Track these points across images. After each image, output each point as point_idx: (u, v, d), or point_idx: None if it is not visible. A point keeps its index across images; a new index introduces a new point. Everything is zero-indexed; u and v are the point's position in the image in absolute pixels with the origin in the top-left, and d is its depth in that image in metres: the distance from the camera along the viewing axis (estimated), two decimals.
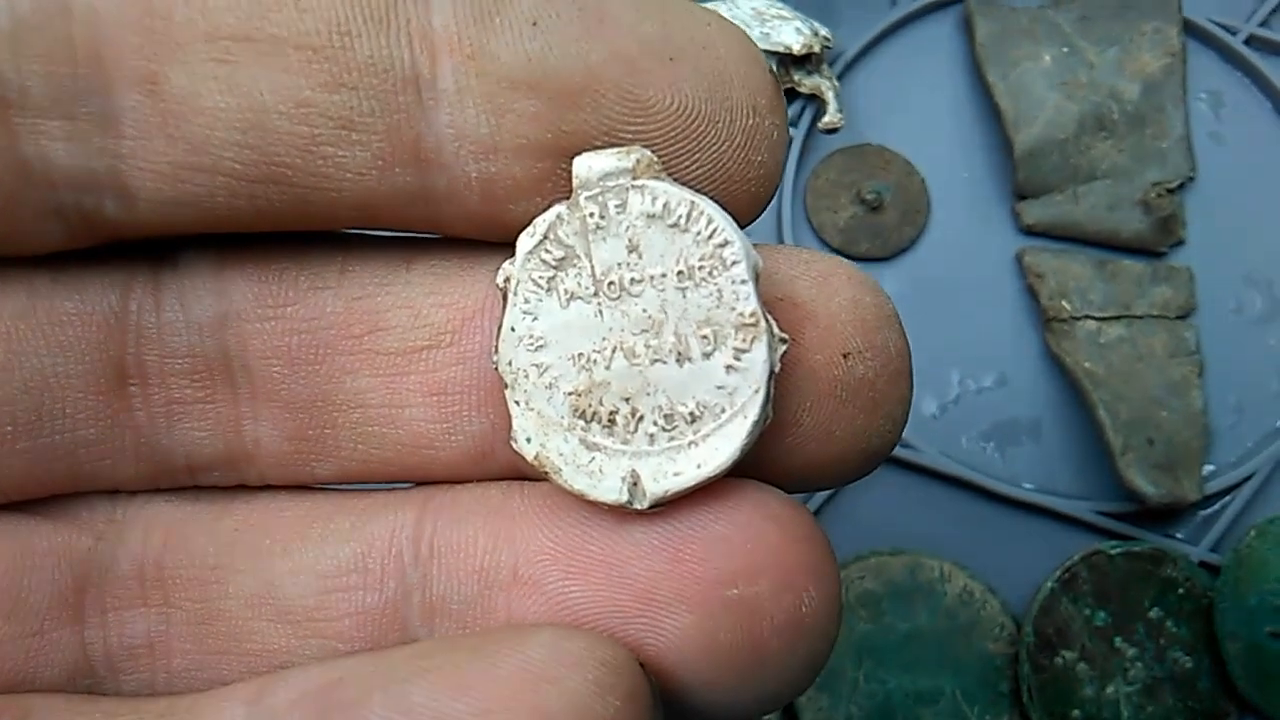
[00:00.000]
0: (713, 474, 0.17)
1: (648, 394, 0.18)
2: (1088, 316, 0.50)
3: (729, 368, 0.17)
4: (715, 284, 0.17)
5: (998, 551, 0.49)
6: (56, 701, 0.18)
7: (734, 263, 0.17)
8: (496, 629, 0.18)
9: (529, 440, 0.18)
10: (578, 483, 0.18)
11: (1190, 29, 0.54)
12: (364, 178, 0.17)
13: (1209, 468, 0.49)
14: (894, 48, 0.56)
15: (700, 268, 0.17)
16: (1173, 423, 0.48)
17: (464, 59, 0.17)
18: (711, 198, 0.18)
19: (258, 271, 0.19)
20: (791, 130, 0.53)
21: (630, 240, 0.18)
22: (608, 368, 0.18)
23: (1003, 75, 0.53)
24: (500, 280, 0.18)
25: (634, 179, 0.17)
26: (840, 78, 0.54)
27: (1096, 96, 0.52)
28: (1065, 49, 0.53)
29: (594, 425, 0.18)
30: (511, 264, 0.18)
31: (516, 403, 0.18)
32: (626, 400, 0.18)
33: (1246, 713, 0.47)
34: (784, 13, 0.50)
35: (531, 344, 0.18)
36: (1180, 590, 0.47)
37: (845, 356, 0.18)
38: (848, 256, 0.50)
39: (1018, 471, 0.50)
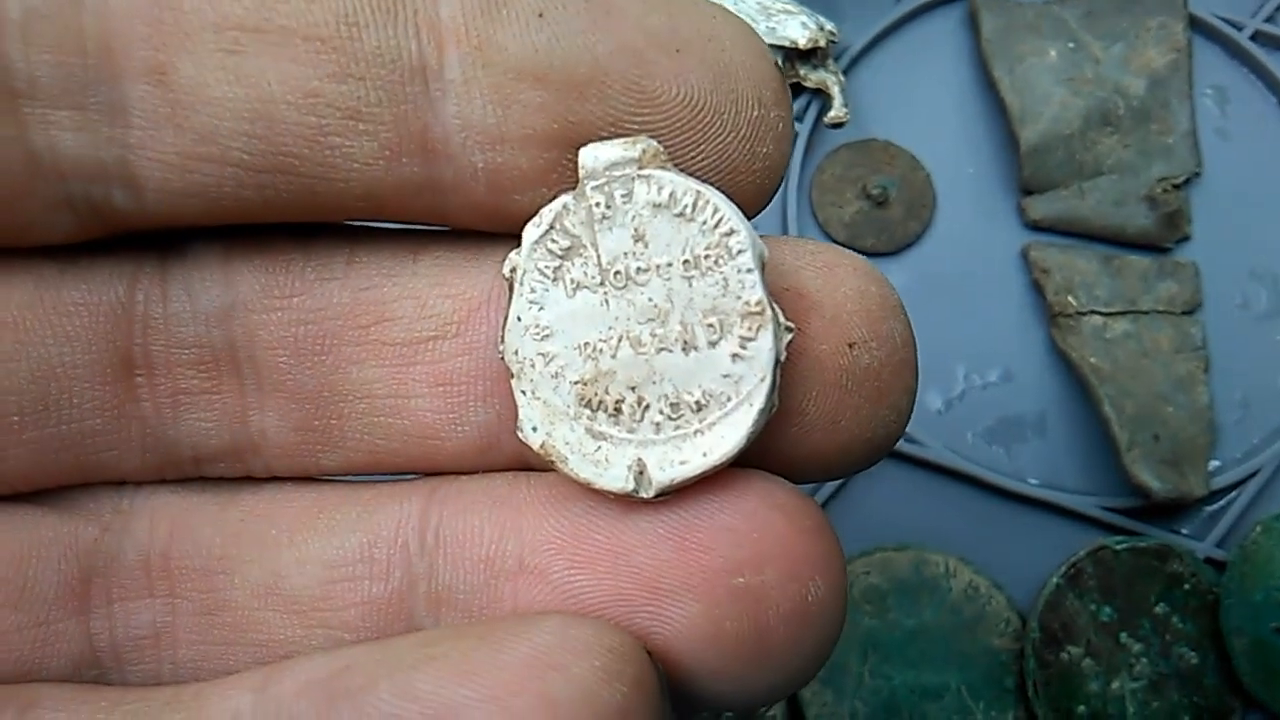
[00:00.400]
0: (719, 462, 0.17)
1: (654, 383, 0.18)
2: (1093, 312, 0.50)
3: (735, 356, 0.17)
4: (721, 273, 0.17)
5: (1003, 547, 0.48)
6: (63, 691, 0.18)
7: (740, 251, 0.17)
8: (503, 617, 0.18)
9: (535, 429, 0.18)
10: (584, 471, 0.18)
11: (1196, 24, 0.54)
12: (371, 168, 0.17)
13: (1215, 463, 0.49)
14: (899, 43, 0.56)
15: (706, 257, 0.17)
16: (1178, 418, 0.48)
17: (471, 50, 0.17)
18: (717, 188, 0.18)
19: (264, 262, 0.19)
20: (797, 125, 0.53)
21: (636, 230, 0.18)
22: (614, 357, 0.18)
23: (1008, 70, 0.53)
24: (506, 270, 0.18)
25: (640, 169, 0.17)
26: (846, 72, 0.54)
27: (1102, 92, 0.52)
28: (1071, 44, 0.53)
29: (600, 414, 0.18)
30: (518, 254, 0.18)
31: (523, 392, 0.18)
32: (633, 389, 0.18)
33: (1252, 708, 0.46)
34: (790, 7, 0.50)
35: (538, 333, 0.18)
36: (1186, 586, 0.47)
37: (851, 346, 0.18)
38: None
39: (1023, 467, 0.50)
